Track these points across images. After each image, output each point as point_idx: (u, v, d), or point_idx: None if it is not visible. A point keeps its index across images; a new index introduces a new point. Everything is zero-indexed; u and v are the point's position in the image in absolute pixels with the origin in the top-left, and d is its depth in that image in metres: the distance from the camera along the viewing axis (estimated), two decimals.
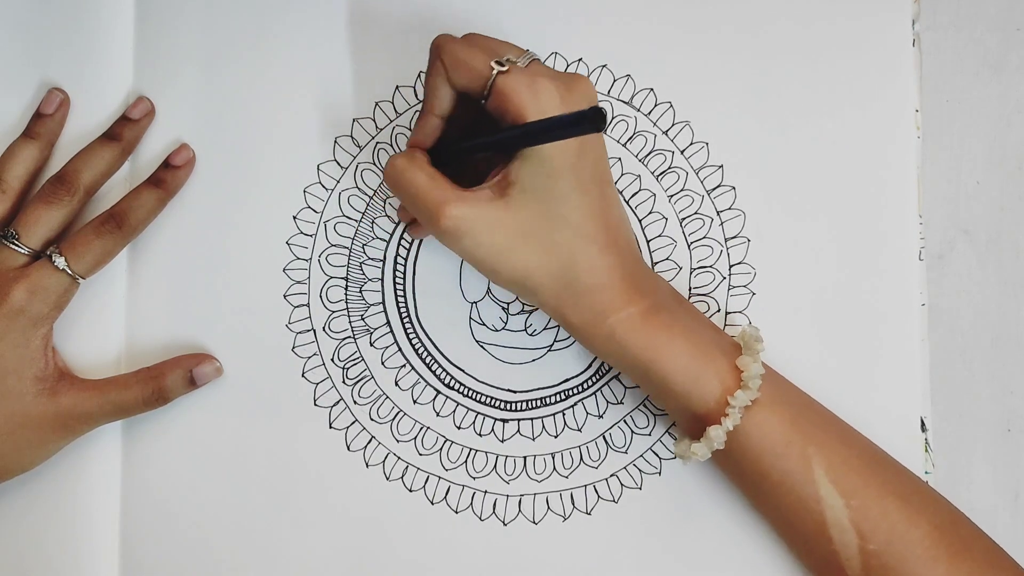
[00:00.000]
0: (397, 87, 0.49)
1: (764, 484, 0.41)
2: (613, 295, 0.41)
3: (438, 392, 0.48)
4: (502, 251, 0.40)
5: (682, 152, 0.48)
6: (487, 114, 0.41)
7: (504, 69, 0.39)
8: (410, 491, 0.47)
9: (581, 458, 0.47)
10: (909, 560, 0.40)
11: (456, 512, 0.47)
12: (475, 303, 0.48)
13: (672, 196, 0.48)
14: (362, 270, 0.48)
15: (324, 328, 0.48)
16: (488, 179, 0.41)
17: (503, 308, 0.48)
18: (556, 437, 0.48)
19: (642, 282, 0.42)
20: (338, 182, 0.49)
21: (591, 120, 0.36)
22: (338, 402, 0.48)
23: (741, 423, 0.40)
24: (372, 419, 0.48)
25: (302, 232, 0.48)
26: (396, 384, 0.48)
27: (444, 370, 0.48)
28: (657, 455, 0.47)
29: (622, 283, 0.41)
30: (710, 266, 0.48)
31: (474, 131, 0.43)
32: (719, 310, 0.47)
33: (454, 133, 0.43)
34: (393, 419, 0.48)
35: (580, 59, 0.48)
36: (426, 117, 0.42)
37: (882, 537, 0.40)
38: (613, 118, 0.48)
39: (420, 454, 0.48)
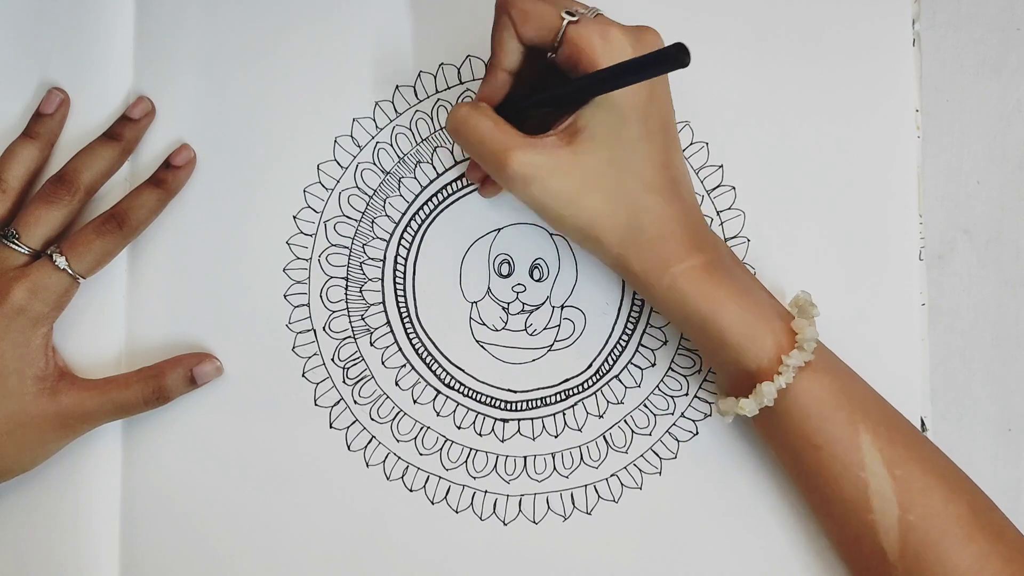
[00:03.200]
0: (397, 87, 0.49)
1: (807, 448, 0.41)
2: (676, 245, 0.41)
3: (438, 392, 0.48)
4: (569, 198, 0.41)
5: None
6: (550, 69, 0.41)
7: (575, 19, 0.40)
8: (410, 491, 0.47)
9: (581, 458, 0.47)
10: (947, 536, 0.40)
11: (456, 512, 0.47)
12: (475, 303, 0.48)
13: None
14: (362, 270, 0.48)
15: (324, 328, 0.48)
16: (554, 127, 0.41)
17: (503, 308, 0.48)
18: (556, 437, 0.48)
19: (704, 236, 0.42)
20: (338, 182, 0.49)
21: (674, 57, 0.35)
22: (338, 402, 0.48)
23: (792, 383, 0.41)
24: (372, 419, 0.48)
25: (302, 232, 0.48)
26: (396, 384, 0.48)
27: (444, 370, 0.48)
28: (657, 455, 0.47)
29: (685, 234, 0.41)
30: None
31: (536, 88, 0.43)
32: None
33: (516, 91, 0.43)
34: (393, 419, 0.48)
35: None
36: (494, 72, 0.42)
37: (921, 511, 0.40)
38: None
39: (420, 454, 0.48)
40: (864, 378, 0.43)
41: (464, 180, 0.48)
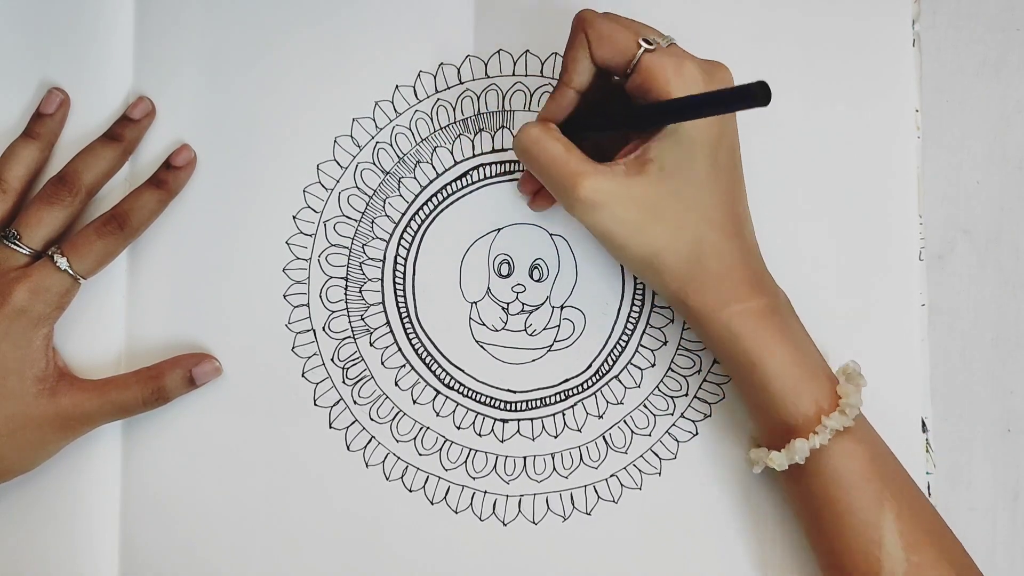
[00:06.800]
0: (397, 87, 0.49)
1: (827, 514, 0.41)
2: (736, 285, 0.41)
3: (438, 392, 0.48)
4: (634, 228, 0.41)
5: None
6: (612, 94, 0.41)
7: (651, 48, 0.40)
8: (410, 491, 0.47)
9: (581, 458, 0.47)
10: None
11: (456, 512, 0.47)
12: (475, 303, 0.48)
13: None
14: (362, 270, 0.48)
15: (324, 328, 0.48)
16: (621, 155, 0.41)
17: (503, 308, 0.48)
18: (556, 437, 0.48)
19: (763, 279, 0.42)
20: (338, 182, 0.49)
21: (757, 95, 0.34)
22: (338, 402, 0.48)
23: (827, 446, 0.40)
24: (372, 419, 0.48)
25: (302, 232, 0.48)
26: (396, 384, 0.48)
27: (444, 370, 0.48)
28: (657, 455, 0.47)
29: (745, 274, 0.41)
30: None
31: (600, 110, 0.43)
32: None
33: (580, 111, 0.43)
34: (393, 419, 0.48)
35: None
36: (562, 90, 0.42)
37: None
38: None
39: (420, 454, 0.48)
40: (864, 378, 0.43)
41: (464, 180, 0.48)
